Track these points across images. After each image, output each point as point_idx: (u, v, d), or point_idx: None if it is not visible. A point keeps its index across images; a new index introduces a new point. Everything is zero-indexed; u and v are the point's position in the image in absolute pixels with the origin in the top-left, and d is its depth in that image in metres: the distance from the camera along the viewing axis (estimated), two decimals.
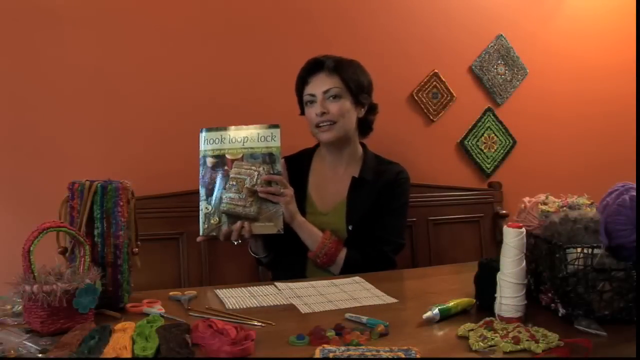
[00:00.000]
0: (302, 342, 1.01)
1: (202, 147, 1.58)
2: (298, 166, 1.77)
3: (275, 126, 1.57)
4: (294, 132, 1.75)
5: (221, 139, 1.57)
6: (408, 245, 2.08)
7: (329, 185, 1.75)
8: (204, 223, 1.56)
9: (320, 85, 1.67)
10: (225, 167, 1.56)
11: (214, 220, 1.55)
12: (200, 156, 1.58)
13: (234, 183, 1.54)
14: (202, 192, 1.56)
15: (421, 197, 2.19)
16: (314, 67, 1.70)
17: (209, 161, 1.57)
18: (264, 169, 1.55)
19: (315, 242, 1.62)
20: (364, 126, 1.77)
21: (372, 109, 1.77)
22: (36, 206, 1.80)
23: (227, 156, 1.57)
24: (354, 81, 1.68)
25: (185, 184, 1.94)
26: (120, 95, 1.97)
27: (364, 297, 1.30)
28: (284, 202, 1.55)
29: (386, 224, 1.71)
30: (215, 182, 1.56)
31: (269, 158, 1.55)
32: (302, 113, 1.75)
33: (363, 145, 1.81)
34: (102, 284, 1.15)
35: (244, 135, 1.57)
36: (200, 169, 1.58)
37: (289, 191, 1.57)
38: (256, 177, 1.53)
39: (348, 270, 1.60)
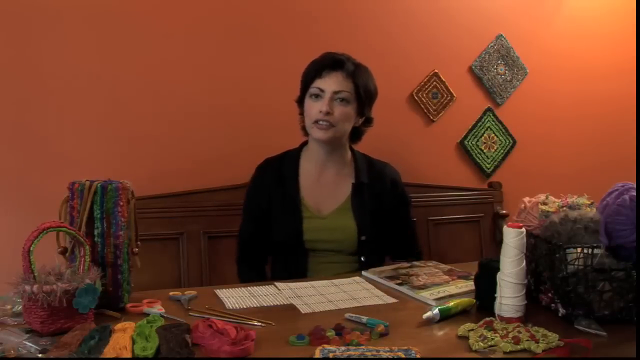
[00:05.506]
0: (302, 342, 1.01)
1: None
2: (285, 168, 1.73)
3: None
4: (293, 133, 1.75)
5: None
6: None
7: (322, 187, 1.72)
8: None
9: (333, 84, 1.63)
10: None
11: None
12: None
13: None
14: None
15: (421, 197, 2.19)
16: (333, 63, 1.65)
17: None
18: None
19: None
20: (355, 135, 1.75)
21: (368, 121, 1.76)
22: (36, 206, 1.80)
23: None
24: (366, 90, 1.66)
25: (185, 184, 1.94)
26: (120, 96, 1.96)
27: (364, 297, 1.30)
28: None
29: (407, 232, 1.82)
30: None
31: None
32: (299, 100, 1.71)
33: (350, 148, 1.79)
34: (102, 284, 1.15)
35: None
36: None
37: None
38: None
39: None
